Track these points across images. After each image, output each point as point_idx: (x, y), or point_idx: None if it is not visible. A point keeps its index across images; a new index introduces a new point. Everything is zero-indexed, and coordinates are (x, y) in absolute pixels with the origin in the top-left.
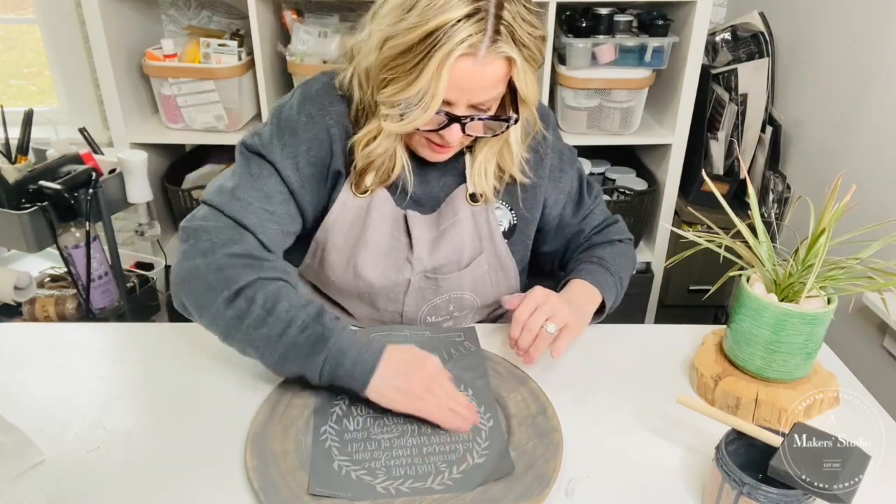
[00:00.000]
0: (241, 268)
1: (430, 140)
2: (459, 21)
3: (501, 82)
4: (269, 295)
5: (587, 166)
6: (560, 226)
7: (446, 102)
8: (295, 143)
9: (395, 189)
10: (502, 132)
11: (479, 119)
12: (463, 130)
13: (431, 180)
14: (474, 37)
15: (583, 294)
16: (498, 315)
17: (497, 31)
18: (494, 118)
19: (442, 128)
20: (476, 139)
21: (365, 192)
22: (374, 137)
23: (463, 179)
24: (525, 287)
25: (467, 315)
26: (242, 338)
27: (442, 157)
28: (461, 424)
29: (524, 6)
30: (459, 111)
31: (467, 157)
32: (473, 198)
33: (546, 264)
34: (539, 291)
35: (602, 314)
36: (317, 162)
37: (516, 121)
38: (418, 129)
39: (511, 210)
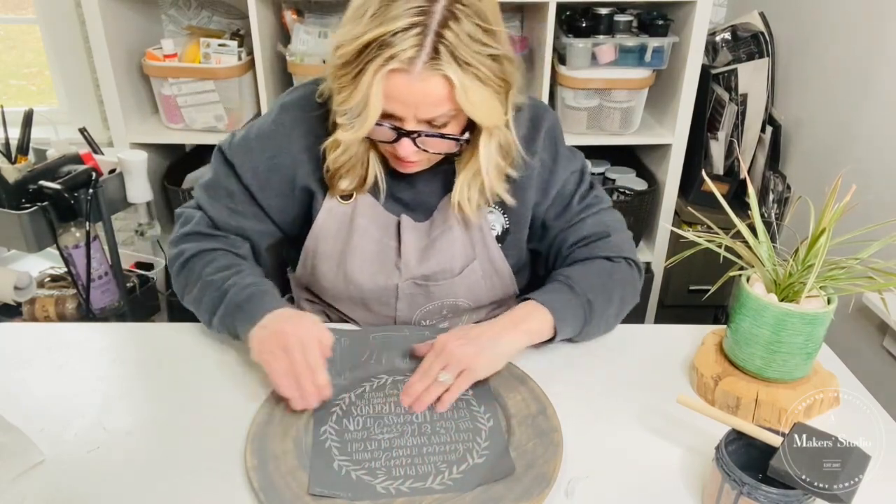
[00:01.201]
0: (189, 241)
1: (392, 153)
2: (397, 34)
3: (447, 100)
4: (209, 260)
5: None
6: (544, 226)
7: (394, 116)
8: (260, 149)
9: (381, 194)
10: (459, 151)
11: (428, 136)
12: (416, 145)
13: (419, 185)
14: (410, 51)
15: (518, 319)
16: (494, 316)
17: (436, 49)
18: (444, 136)
19: (394, 141)
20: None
21: (348, 197)
22: (340, 144)
23: (452, 186)
24: (525, 288)
25: (463, 317)
26: (184, 283)
27: (409, 169)
28: (294, 397)
29: (476, 24)
30: (409, 126)
31: (457, 166)
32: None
33: (539, 267)
34: (440, 339)
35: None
36: (280, 169)
37: (467, 141)
38: (376, 141)
39: (504, 214)
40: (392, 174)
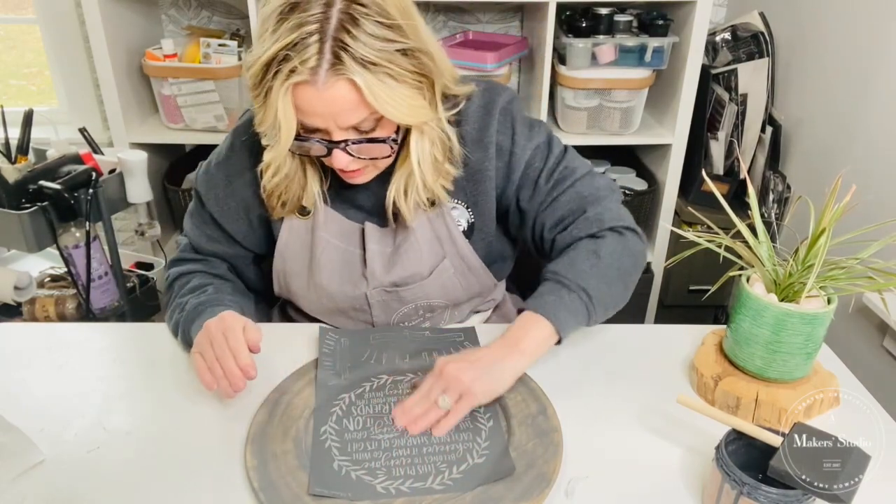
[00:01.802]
0: (175, 266)
1: (332, 166)
2: (296, 46)
3: (360, 104)
4: (185, 281)
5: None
6: (520, 210)
7: (318, 130)
8: (218, 176)
9: (342, 200)
10: (392, 153)
11: (354, 142)
12: (350, 154)
13: (379, 190)
14: (311, 61)
15: (517, 338)
16: (475, 311)
17: (336, 55)
18: (372, 140)
19: (326, 155)
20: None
21: (307, 212)
22: (270, 165)
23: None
24: (510, 277)
25: (444, 314)
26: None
27: (357, 179)
28: (223, 387)
29: (378, 22)
30: (336, 136)
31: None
32: (428, 202)
33: (528, 251)
34: (440, 362)
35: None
36: (236, 194)
37: (396, 141)
38: (313, 157)
39: (468, 208)
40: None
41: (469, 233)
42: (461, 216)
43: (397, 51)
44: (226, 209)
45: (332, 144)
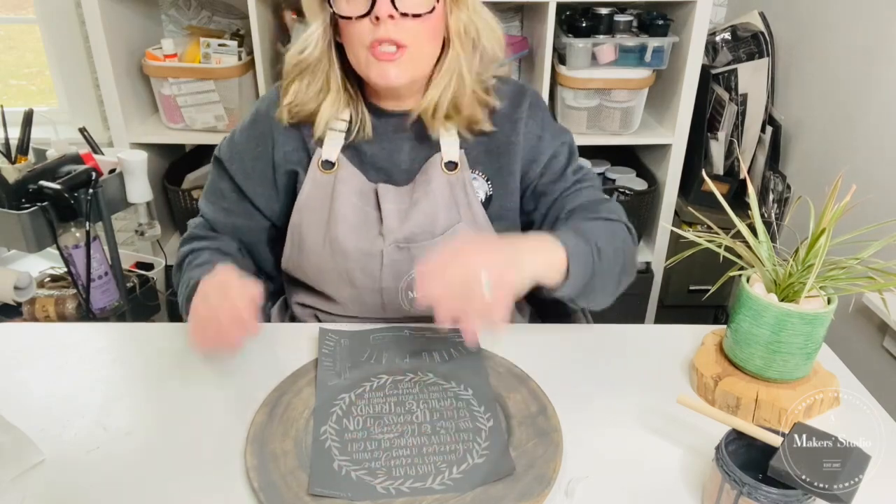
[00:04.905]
0: (186, 243)
1: (372, 46)
2: None
3: None
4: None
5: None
6: (537, 193)
7: None
8: (243, 141)
9: (362, 161)
10: (431, 10)
11: None
12: (394, 4)
13: (404, 152)
14: None
15: (535, 245)
16: None
17: None
18: None
19: (369, 11)
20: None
21: (330, 167)
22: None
23: (435, 149)
24: None
25: None
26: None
27: (391, 67)
28: (201, 342)
29: None
30: None
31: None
32: (449, 166)
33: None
34: (447, 249)
35: (567, 279)
36: (263, 157)
37: None
38: (350, 19)
39: (488, 181)
40: (374, 140)
41: (486, 204)
42: (480, 188)
43: None
44: (252, 172)
45: None
